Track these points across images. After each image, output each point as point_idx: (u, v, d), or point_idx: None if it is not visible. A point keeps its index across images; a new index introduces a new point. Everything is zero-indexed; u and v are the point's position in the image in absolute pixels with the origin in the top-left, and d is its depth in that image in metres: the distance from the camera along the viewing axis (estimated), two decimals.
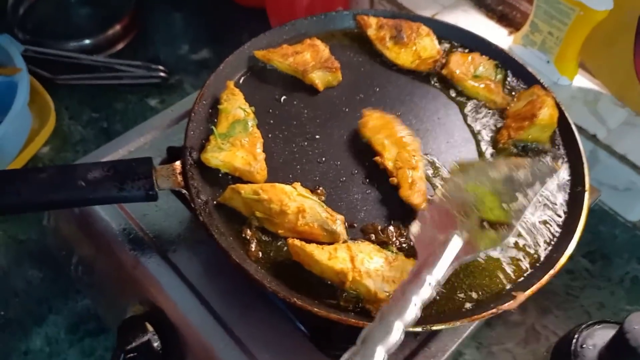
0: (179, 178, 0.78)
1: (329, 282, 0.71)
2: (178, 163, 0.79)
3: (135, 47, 1.33)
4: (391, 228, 0.77)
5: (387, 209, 0.79)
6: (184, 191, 0.77)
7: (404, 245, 0.76)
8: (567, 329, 0.87)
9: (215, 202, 0.78)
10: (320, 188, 0.80)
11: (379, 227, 0.77)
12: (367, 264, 0.70)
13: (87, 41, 1.28)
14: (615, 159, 1.01)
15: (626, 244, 1.03)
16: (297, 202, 0.75)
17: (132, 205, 0.84)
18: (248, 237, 0.75)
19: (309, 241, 0.72)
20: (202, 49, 1.34)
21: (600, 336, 0.72)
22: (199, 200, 0.77)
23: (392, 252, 0.74)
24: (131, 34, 1.34)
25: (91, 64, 1.26)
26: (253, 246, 0.74)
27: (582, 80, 1.10)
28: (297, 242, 0.71)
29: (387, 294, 0.68)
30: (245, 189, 0.75)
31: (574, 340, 0.72)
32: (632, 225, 1.05)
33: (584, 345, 0.71)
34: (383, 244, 0.75)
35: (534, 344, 0.90)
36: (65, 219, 0.89)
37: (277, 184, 0.77)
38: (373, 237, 0.77)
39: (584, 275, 0.99)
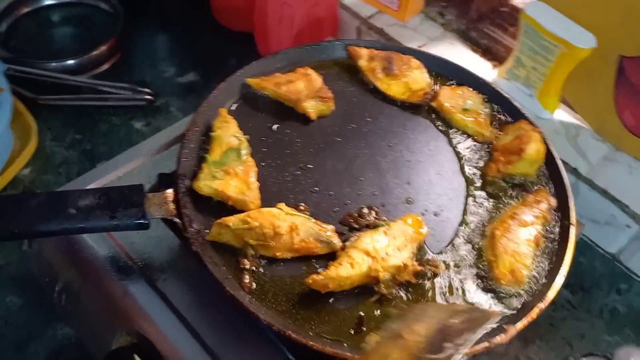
0: (172, 206, 0.77)
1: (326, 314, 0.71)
2: (170, 191, 0.79)
3: (120, 68, 1.32)
4: (365, 210, 0.81)
5: None
6: (176, 220, 0.76)
7: (383, 217, 0.81)
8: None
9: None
10: (302, 204, 0.81)
11: (355, 214, 0.81)
12: (379, 247, 0.74)
13: (70, 61, 1.26)
14: (596, 193, 1.03)
15: (606, 276, 1.05)
16: (288, 221, 0.75)
17: (120, 232, 0.83)
18: (243, 267, 0.74)
19: (306, 258, 0.75)
20: (188, 72, 1.34)
21: None
22: (192, 229, 0.76)
23: (383, 225, 0.78)
24: (116, 56, 1.33)
25: (75, 85, 1.24)
26: (247, 277, 0.73)
27: (563, 114, 1.14)
28: (316, 276, 0.71)
29: (410, 257, 0.75)
30: (233, 221, 0.75)
31: None
32: (611, 257, 1.07)
33: None
34: (370, 227, 0.79)
35: None
36: (50, 245, 0.87)
37: (263, 209, 0.77)
38: (357, 226, 0.80)
39: (566, 307, 1.00)
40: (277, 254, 0.75)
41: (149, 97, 1.24)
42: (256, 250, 0.75)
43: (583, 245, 1.09)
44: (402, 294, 0.74)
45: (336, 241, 0.76)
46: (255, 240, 0.75)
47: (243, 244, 0.76)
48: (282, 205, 0.78)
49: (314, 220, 0.77)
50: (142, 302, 0.78)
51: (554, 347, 0.95)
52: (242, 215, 0.75)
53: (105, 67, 1.31)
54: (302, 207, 0.81)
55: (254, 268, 0.74)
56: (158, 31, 1.44)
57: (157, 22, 1.45)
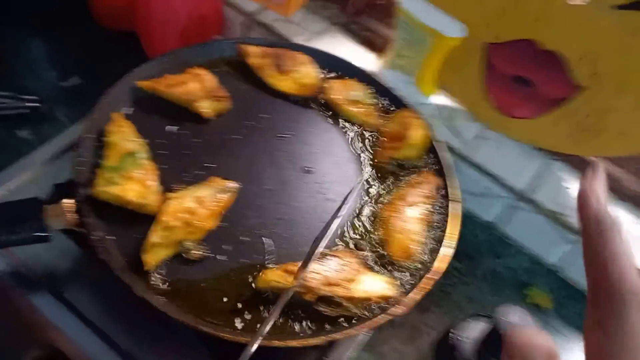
0: (72, 216, 0.76)
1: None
2: (68, 200, 0.77)
3: None
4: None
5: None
6: (78, 229, 0.76)
7: None
8: (444, 324, 0.97)
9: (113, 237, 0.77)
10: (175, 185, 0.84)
11: None
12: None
13: None
14: (472, 168, 1.14)
15: (485, 242, 1.17)
16: (188, 196, 0.80)
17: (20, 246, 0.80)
18: (150, 268, 0.75)
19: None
20: (72, 75, 1.29)
21: (473, 329, 0.82)
22: (95, 236, 0.76)
23: None
24: None
25: None
26: (155, 276, 0.75)
27: (440, 99, 1.24)
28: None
29: None
30: (156, 236, 0.75)
31: (453, 335, 0.82)
32: (489, 226, 1.20)
33: (460, 339, 0.81)
34: None
35: (417, 340, 0.99)
36: None
37: (164, 209, 0.78)
38: None
39: (454, 274, 1.11)
40: (209, 226, 0.80)
41: (33, 104, 1.18)
42: (192, 239, 0.78)
43: (464, 217, 1.19)
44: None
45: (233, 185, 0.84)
46: (185, 233, 0.77)
47: (179, 244, 0.78)
48: (169, 193, 0.81)
49: (203, 183, 0.83)
50: (50, 314, 0.77)
51: (447, 312, 1.05)
52: (157, 227, 0.76)
53: None
54: (176, 187, 0.84)
55: (158, 269, 0.76)
56: (35, 34, 1.36)
57: (33, 25, 1.38)
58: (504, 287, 1.11)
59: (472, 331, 0.83)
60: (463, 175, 1.15)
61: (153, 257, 0.75)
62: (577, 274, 1.13)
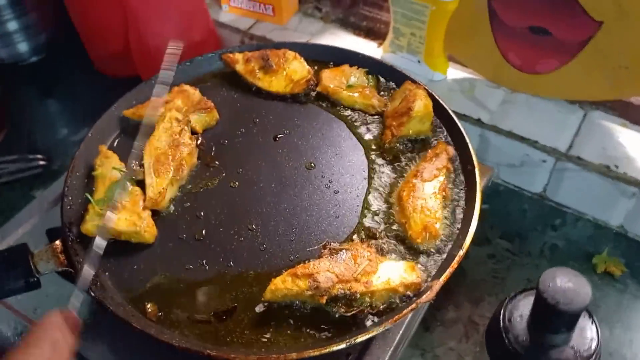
0: (62, 257, 0.72)
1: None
2: (58, 242, 0.74)
3: (9, 141, 1.26)
4: None
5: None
6: (69, 270, 0.71)
7: None
8: None
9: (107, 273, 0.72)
10: None
11: None
12: None
13: None
14: (504, 137, 1.03)
15: (537, 216, 1.04)
16: None
17: (18, 302, 0.77)
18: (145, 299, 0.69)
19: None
20: (81, 129, 1.29)
21: (524, 305, 0.71)
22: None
23: None
24: (3, 129, 1.27)
25: None
26: (149, 307, 0.69)
27: (455, 72, 1.14)
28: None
29: None
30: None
31: (501, 317, 0.70)
32: (538, 197, 1.07)
33: (511, 319, 0.70)
34: None
35: (475, 335, 0.88)
36: None
37: None
38: None
39: (506, 256, 0.99)
40: None
41: (42, 162, 1.18)
42: None
43: (508, 192, 1.08)
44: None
45: None
46: None
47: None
48: None
49: None
50: None
51: (503, 298, 0.92)
52: None
53: None
54: None
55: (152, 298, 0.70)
56: (43, 96, 1.38)
57: (40, 87, 1.40)
58: (567, 261, 0.97)
59: (523, 308, 0.71)
60: (495, 147, 1.04)
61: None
62: None
